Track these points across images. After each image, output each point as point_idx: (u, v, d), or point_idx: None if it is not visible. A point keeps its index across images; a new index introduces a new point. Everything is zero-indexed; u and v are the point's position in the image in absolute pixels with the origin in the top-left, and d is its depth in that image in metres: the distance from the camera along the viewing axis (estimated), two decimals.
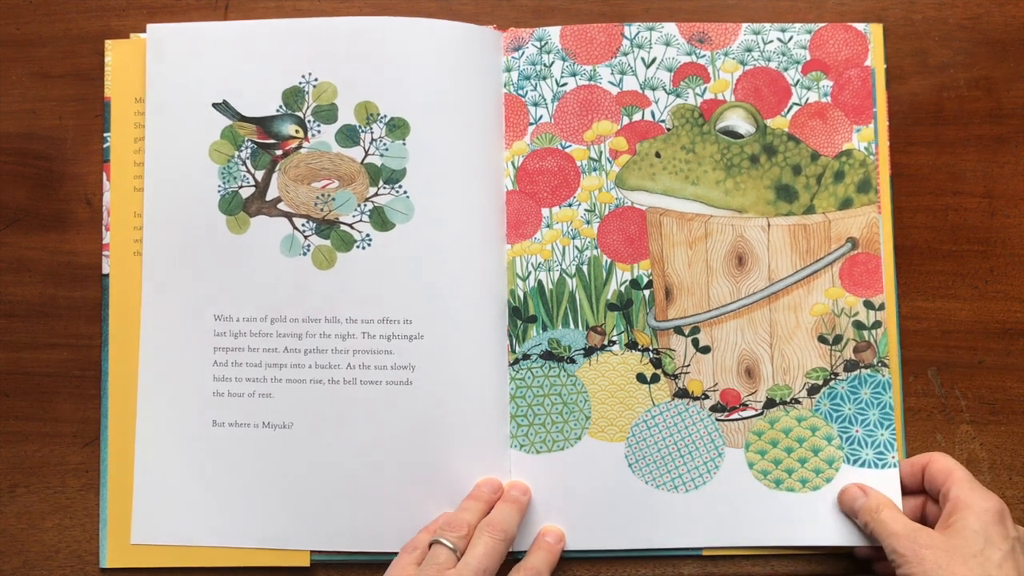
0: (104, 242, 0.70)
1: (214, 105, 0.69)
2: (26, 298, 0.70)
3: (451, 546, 0.60)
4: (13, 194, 0.71)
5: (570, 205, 0.69)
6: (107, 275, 0.69)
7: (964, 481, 0.61)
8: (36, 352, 0.70)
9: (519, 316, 0.68)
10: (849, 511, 0.65)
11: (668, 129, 0.69)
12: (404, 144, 0.67)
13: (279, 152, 0.68)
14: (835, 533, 0.66)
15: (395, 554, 0.63)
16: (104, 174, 0.70)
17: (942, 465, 0.63)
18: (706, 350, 0.68)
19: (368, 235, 0.67)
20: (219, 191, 0.68)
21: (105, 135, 0.70)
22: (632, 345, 0.68)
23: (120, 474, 0.68)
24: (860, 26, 0.70)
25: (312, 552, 0.66)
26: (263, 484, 0.66)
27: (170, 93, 0.69)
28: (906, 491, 0.65)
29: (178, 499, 0.67)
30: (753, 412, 0.67)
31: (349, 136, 0.67)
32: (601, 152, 0.69)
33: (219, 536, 0.66)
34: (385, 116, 0.67)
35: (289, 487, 0.66)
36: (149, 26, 0.70)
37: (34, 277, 0.71)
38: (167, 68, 0.69)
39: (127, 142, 0.70)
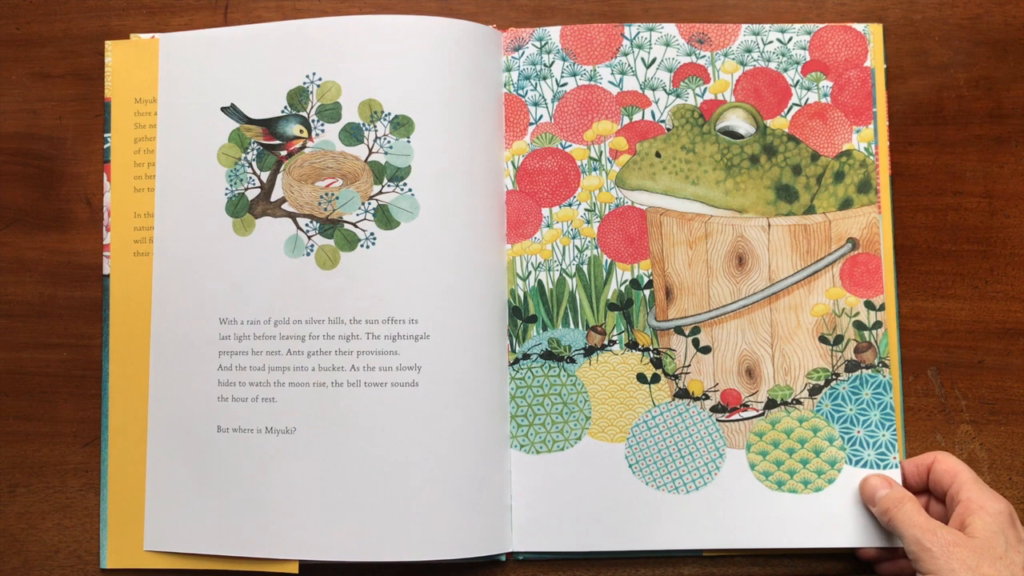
0: (104, 242, 0.70)
1: (222, 109, 0.69)
2: (26, 298, 0.70)
3: None
4: (13, 194, 0.71)
5: (570, 205, 0.69)
6: (107, 275, 0.69)
7: (973, 482, 0.61)
8: (36, 352, 0.70)
9: (519, 316, 0.68)
10: (868, 500, 0.65)
11: (668, 129, 0.69)
12: (408, 142, 0.67)
13: (284, 153, 0.68)
14: (839, 535, 0.65)
15: (389, 562, 0.61)
16: (104, 174, 0.70)
17: (948, 465, 0.63)
18: (706, 350, 0.68)
19: (372, 234, 0.67)
20: (226, 194, 0.68)
21: (105, 135, 0.70)
22: (632, 345, 0.68)
23: (120, 474, 0.68)
24: (859, 27, 0.70)
25: (301, 562, 0.66)
26: (262, 492, 0.66)
27: (180, 99, 0.69)
28: (910, 490, 0.65)
29: (186, 507, 0.67)
30: (754, 413, 0.67)
31: (353, 134, 0.67)
32: (601, 152, 0.69)
33: (222, 544, 0.66)
34: (389, 114, 0.67)
35: (287, 495, 0.66)
36: (160, 35, 0.70)
37: (34, 277, 0.70)
38: (178, 75, 0.70)
39: (127, 142, 0.70)
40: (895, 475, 0.66)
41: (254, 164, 0.68)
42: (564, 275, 0.68)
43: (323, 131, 0.68)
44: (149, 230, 0.69)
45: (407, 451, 0.65)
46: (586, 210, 0.69)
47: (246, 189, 0.68)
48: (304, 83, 0.68)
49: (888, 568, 0.65)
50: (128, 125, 0.70)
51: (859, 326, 0.67)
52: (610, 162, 0.69)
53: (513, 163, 0.69)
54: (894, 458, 0.66)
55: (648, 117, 0.69)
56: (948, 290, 0.70)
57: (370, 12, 0.72)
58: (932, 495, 0.65)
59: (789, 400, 0.67)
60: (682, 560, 0.68)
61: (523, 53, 0.70)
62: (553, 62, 0.70)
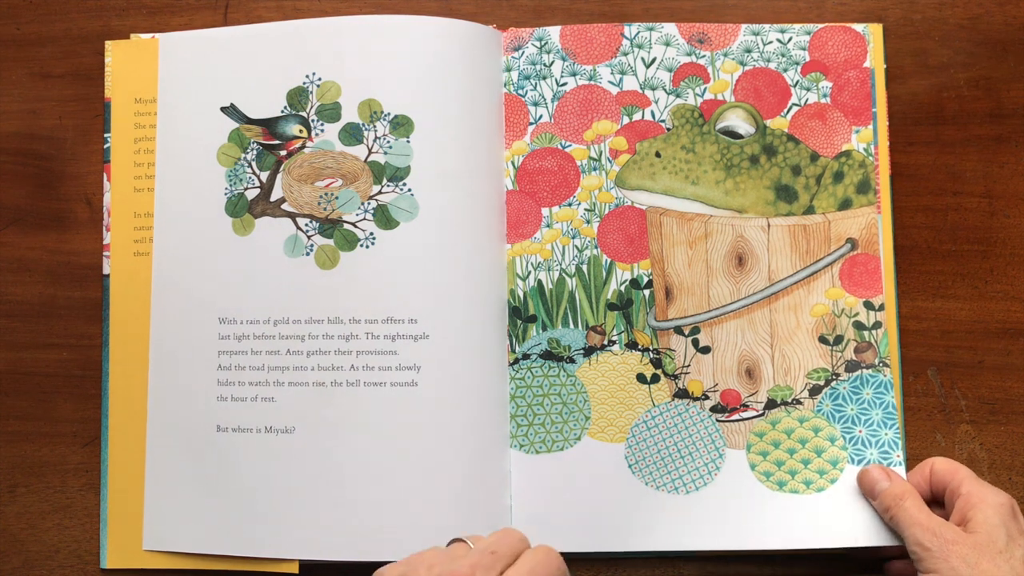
0: (104, 242, 0.70)
1: (222, 109, 0.69)
2: (26, 298, 0.70)
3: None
4: (13, 194, 0.71)
5: (570, 205, 0.69)
6: (107, 275, 0.69)
7: (972, 477, 0.61)
8: (36, 352, 0.70)
9: (519, 316, 0.68)
10: (868, 493, 0.64)
11: (668, 129, 0.69)
12: (408, 142, 0.67)
13: (283, 153, 0.68)
14: (842, 535, 0.65)
15: (386, 562, 0.61)
16: (104, 174, 0.70)
17: (946, 465, 0.63)
18: (706, 350, 0.68)
19: (372, 234, 0.67)
20: (226, 193, 0.68)
21: (105, 135, 0.70)
22: (632, 345, 0.68)
23: (121, 474, 0.68)
24: (859, 27, 0.70)
25: (301, 561, 0.66)
26: (262, 492, 0.66)
27: (180, 99, 0.69)
28: None
29: (186, 506, 0.67)
30: (754, 413, 0.67)
31: (352, 134, 0.67)
32: (601, 152, 0.69)
33: (222, 544, 0.66)
34: (389, 114, 0.67)
35: (287, 495, 0.66)
36: (160, 35, 0.70)
37: (34, 277, 0.70)
38: (177, 75, 0.70)
39: (127, 142, 0.70)
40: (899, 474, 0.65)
41: (254, 164, 0.68)
42: (564, 275, 0.68)
43: (323, 131, 0.68)
44: (149, 230, 0.69)
45: (407, 451, 0.65)
46: (586, 210, 0.69)
47: (246, 189, 0.68)
48: (304, 83, 0.68)
49: (889, 567, 0.65)
50: (128, 125, 0.70)
51: (858, 326, 0.67)
52: (610, 162, 0.69)
53: (513, 163, 0.69)
54: (897, 456, 0.66)
55: (648, 117, 0.69)
56: (948, 290, 0.70)
57: (370, 12, 0.72)
58: (933, 498, 0.64)
59: (789, 400, 0.67)
60: (682, 560, 0.68)
61: (523, 53, 0.70)
62: (553, 62, 0.70)
